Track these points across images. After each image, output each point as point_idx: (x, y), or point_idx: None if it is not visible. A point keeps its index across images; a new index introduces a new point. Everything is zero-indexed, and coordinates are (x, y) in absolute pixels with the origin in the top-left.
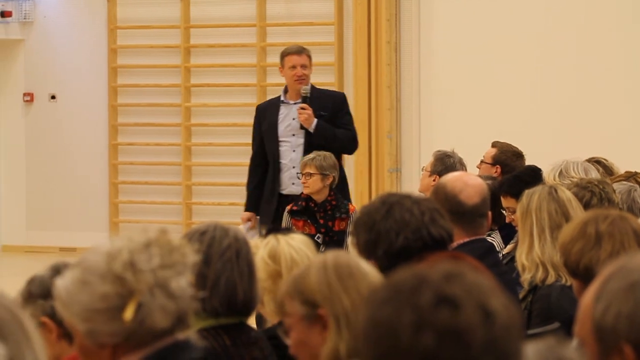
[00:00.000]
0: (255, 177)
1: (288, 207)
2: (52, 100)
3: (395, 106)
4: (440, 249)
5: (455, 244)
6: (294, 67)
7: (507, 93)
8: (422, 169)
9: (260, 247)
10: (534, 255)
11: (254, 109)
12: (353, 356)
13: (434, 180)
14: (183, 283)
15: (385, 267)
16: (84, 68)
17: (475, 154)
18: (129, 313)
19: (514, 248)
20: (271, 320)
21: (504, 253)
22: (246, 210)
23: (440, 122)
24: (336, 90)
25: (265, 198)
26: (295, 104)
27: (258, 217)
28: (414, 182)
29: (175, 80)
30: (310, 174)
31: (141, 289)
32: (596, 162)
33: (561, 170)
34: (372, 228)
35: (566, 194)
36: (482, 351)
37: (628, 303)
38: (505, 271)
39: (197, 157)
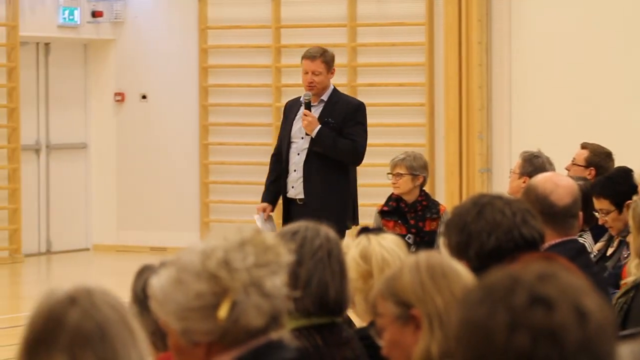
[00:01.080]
0: (275, 171)
1: (378, 208)
2: (143, 100)
3: (486, 106)
4: (532, 249)
5: (546, 245)
6: (306, 72)
7: (597, 94)
8: (510, 172)
9: (352, 247)
10: None
11: None
12: (446, 357)
13: (524, 182)
14: (277, 282)
15: (477, 268)
16: (174, 68)
17: (565, 154)
18: (223, 311)
19: (604, 246)
20: (363, 320)
21: (594, 252)
22: (262, 201)
23: (530, 123)
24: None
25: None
26: (312, 106)
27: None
28: (504, 182)
29: (266, 80)
30: (401, 175)
31: (236, 287)
32: None
33: None
34: (463, 229)
35: None
36: (577, 351)
37: None
38: (597, 272)
39: None
